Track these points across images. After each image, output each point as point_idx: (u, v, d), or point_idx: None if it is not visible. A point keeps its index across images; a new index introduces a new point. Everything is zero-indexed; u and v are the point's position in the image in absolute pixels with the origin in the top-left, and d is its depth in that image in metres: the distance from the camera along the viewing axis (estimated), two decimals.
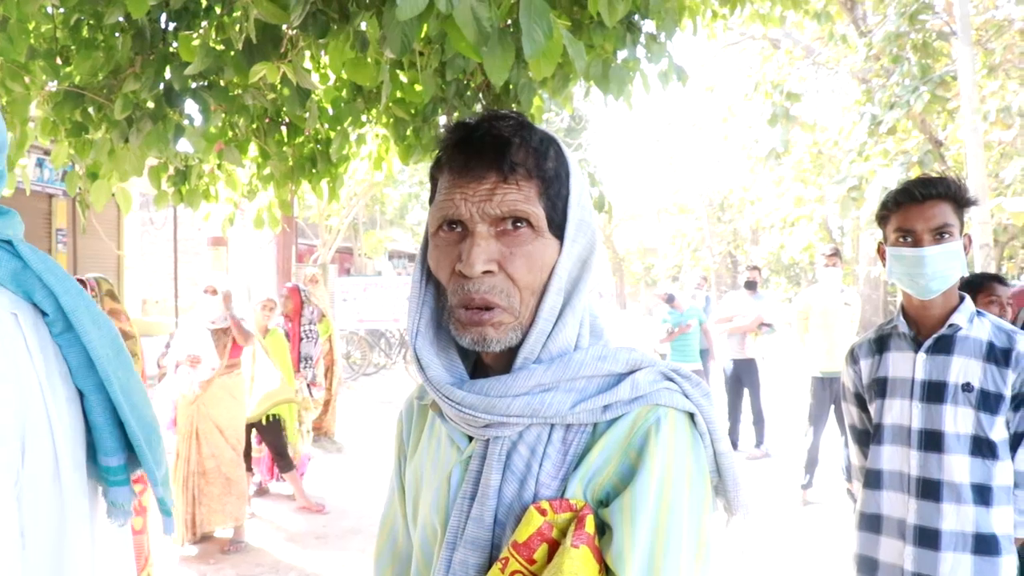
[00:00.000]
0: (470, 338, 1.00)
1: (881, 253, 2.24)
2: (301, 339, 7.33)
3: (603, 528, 0.94)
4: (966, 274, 2.15)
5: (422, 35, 2.52)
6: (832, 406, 6.41)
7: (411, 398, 1.28)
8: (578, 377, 1.01)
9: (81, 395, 0.86)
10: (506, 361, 1.05)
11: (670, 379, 1.03)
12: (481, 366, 1.11)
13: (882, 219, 2.20)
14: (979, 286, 3.29)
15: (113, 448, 0.87)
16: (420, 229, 29.69)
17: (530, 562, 0.91)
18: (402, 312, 12.67)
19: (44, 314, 0.83)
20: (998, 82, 11.76)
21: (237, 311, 5.34)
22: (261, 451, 6.57)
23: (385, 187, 20.19)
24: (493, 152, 0.98)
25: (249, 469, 6.08)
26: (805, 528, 5.80)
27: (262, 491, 6.74)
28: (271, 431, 6.05)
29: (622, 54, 3.31)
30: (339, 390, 8.85)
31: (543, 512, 0.93)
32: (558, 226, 1.02)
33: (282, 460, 6.18)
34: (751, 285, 8.10)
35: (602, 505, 0.96)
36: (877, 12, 13.69)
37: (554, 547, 0.92)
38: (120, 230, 12.20)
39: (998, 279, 3.37)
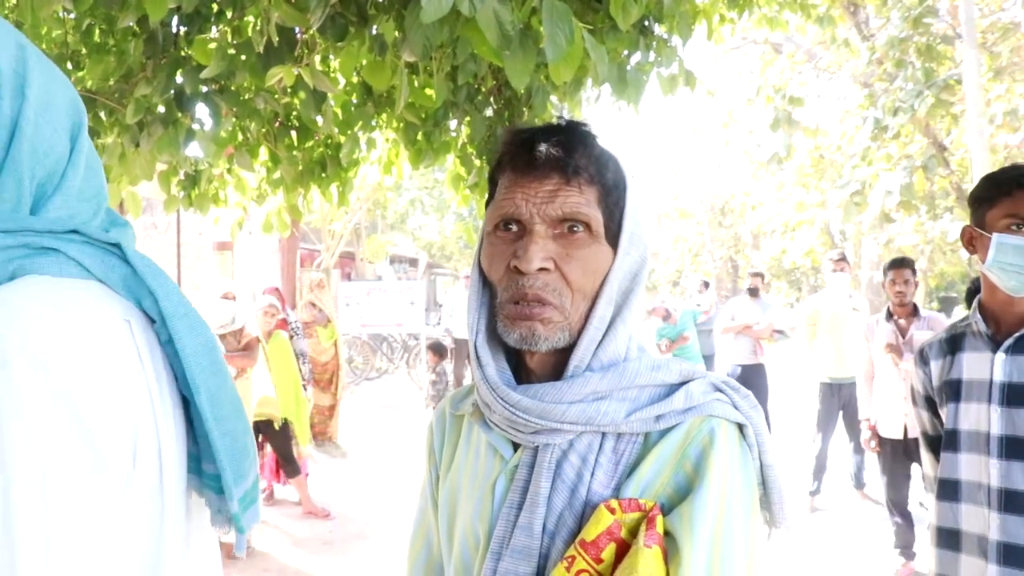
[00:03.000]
0: (519, 333, 0.99)
1: (970, 238, 2.05)
2: (291, 337, 7.31)
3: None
4: None
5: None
6: (840, 412, 6.39)
7: (442, 408, 1.28)
8: (632, 386, 1.01)
9: (187, 402, 0.88)
10: (551, 368, 1.05)
11: (720, 390, 1.04)
12: (524, 373, 1.10)
13: (986, 200, 1.99)
14: None
15: (213, 456, 0.89)
16: (421, 234, 29.65)
17: (597, 561, 0.91)
18: (405, 317, 12.64)
19: (152, 320, 0.85)
20: (1004, 85, 11.72)
21: (248, 327, 5.37)
22: (263, 455, 6.55)
23: (388, 192, 20.20)
24: (558, 154, 0.99)
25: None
26: (813, 535, 5.78)
27: (269, 496, 6.72)
28: (280, 436, 6.03)
29: (634, 58, 3.30)
30: (342, 395, 8.85)
31: (612, 511, 0.93)
32: (613, 235, 1.03)
33: (289, 465, 6.17)
34: (753, 291, 8.08)
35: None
36: (880, 16, 13.68)
37: (621, 546, 0.91)
38: None
39: None
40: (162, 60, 3.18)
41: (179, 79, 3.22)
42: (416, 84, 3.44)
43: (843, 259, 6.72)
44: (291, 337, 7.25)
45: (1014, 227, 1.91)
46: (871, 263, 21.71)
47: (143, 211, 4.41)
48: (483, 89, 3.60)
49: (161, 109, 3.37)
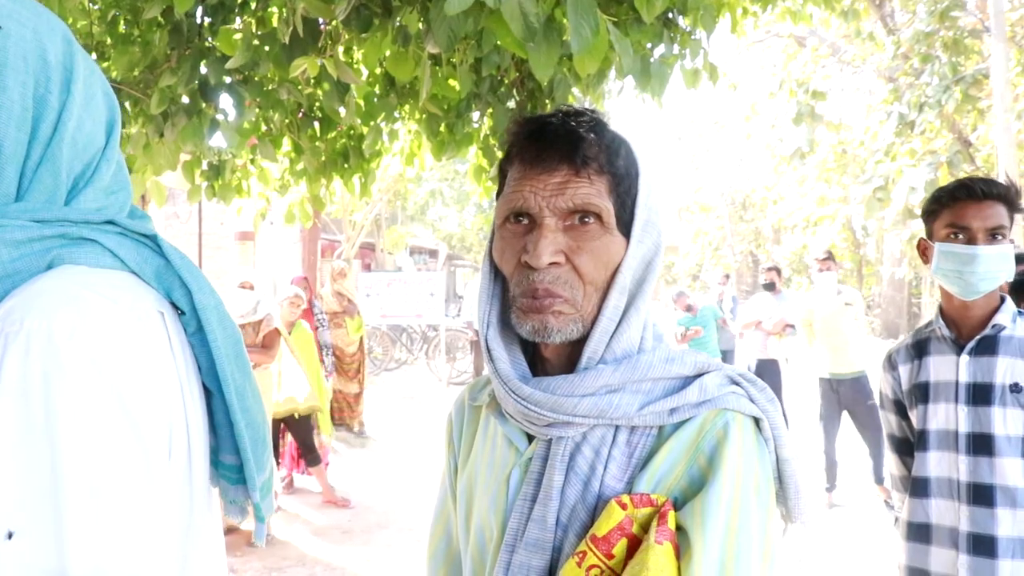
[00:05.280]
0: (531, 326, 0.98)
1: (923, 249, 2.20)
2: (317, 328, 7.35)
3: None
4: (1011, 278, 2.10)
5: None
6: (844, 409, 6.36)
7: (461, 398, 1.27)
8: (645, 379, 0.99)
9: (208, 394, 0.89)
10: (566, 359, 1.05)
11: (736, 383, 1.02)
12: (540, 364, 1.09)
13: (931, 213, 2.14)
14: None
15: (233, 447, 0.91)
16: (441, 225, 29.73)
17: (608, 556, 0.90)
18: (425, 308, 12.67)
19: (180, 312, 0.86)
20: None
21: (269, 318, 5.42)
22: (284, 445, 6.59)
23: (409, 183, 20.26)
24: (567, 145, 0.97)
25: (276, 462, 6.10)
26: (832, 532, 5.75)
27: (288, 485, 6.76)
28: (301, 425, 6.07)
29: (658, 50, 3.29)
30: (365, 385, 8.90)
31: (624, 506, 0.92)
32: (625, 224, 1.01)
33: (310, 454, 6.20)
34: (770, 287, 8.06)
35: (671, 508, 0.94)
36: (906, 10, 13.54)
37: (633, 542, 0.90)
38: None
39: None
40: (187, 51, 3.20)
41: (203, 69, 3.24)
42: (439, 75, 3.44)
43: (829, 258, 6.75)
44: (316, 329, 7.29)
45: (952, 236, 2.07)
46: (893, 259, 21.57)
47: (165, 201, 4.44)
48: (506, 81, 3.60)
49: (185, 99, 3.39)
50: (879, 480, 6.34)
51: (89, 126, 0.87)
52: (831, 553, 5.28)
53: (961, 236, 2.05)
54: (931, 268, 2.14)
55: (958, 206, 2.05)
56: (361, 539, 5.57)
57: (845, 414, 6.40)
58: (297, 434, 6.17)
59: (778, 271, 8.20)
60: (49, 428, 0.68)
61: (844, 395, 6.31)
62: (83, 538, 0.69)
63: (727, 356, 9.53)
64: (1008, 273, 2.05)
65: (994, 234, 2.01)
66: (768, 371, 7.76)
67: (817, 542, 5.47)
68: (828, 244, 20.63)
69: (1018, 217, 2.09)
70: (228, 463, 0.92)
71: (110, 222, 0.85)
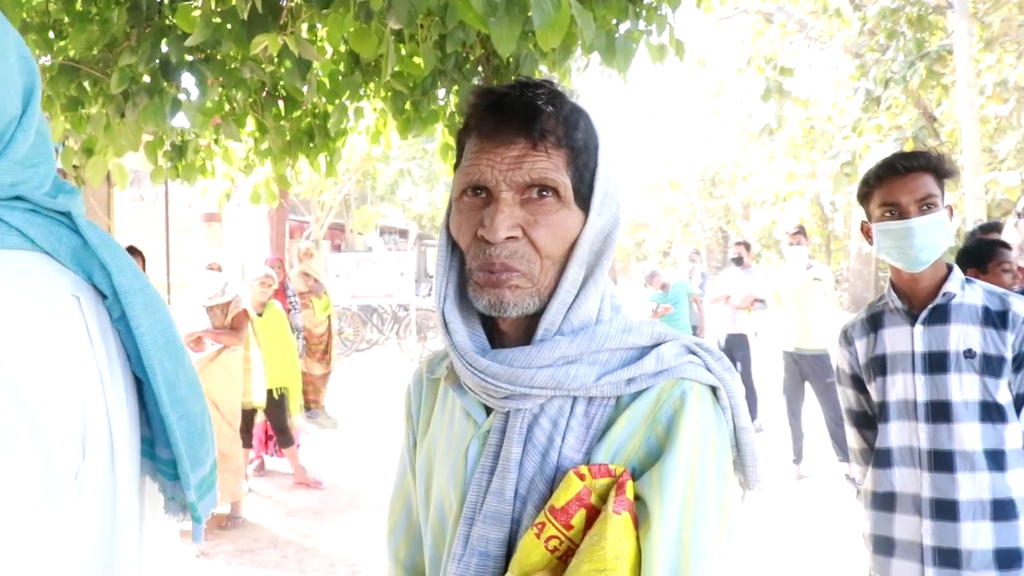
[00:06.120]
0: (487, 300, 0.98)
1: (866, 231, 2.26)
2: (289, 311, 7.31)
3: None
4: (952, 244, 2.15)
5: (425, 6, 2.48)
6: (807, 382, 6.44)
7: (420, 372, 1.27)
8: (603, 350, 1.00)
9: (140, 383, 0.82)
10: (523, 331, 1.05)
11: (693, 352, 1.03)
12: (498, 337, 1.09)
13: (864, 196, 2.22)
14: (989, 253, 3.28)
15: (167, 441, 0.82)
16: (411, 205, 29.54)
17: (567, 527, 0.90)
18: (395, 288, 12.63)
19: (104, 296, 0.78)
20: (995, 56, 11.70)
21: (238, 299, 5.38)
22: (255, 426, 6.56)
23: (377, 162, 20.09)
24: (523, 118, 0.96)
25: (248, 445, 6.07)
26: (801, 502, 5.84)
27: (259, 467, 6.73)
28: (275, 407, 6.05)
29: (624, 26, 3.28)
30: (334, 366, 8.86)
31: (582, 477, 0.92)
32: (584, 197, 1.00)
33: (283, 435, 6.18)
34: (738, 261, 8.12)
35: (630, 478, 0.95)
36: None
37: (591, 512, 0.91)
38: (111, 207, 12.07)
39: (1004, 244, 3.36)
40: (146, 29, 3.14)
41: (164, 48, 3.18)
42: (404, 52, 3.41)
43: (800, 232, 6.82)
44: (289, 311, 7.24)
45: (887, 214, 2.13)
46: (860, 234, 21.79)
47: (130, 183, 4.38)
48: (471, 58, 3.57)
49: (146, 79, 3.33)
50: (847, 458, 6.40)
51: None
52: (797, 524, 5.36)
53: (894, 213, 2.10)
54: (874, 249, 2.20)
55: (884, 185, 2.12)
56: (333, 520, 5.57)
57: (809, 387, 6.47)
58: (272, 416, 6.14)
59: (747, 246, 8.25)
60: None
61: (805, 370, 6.40)
62: None
63: (695, 332, 9.62)
64: (947, 240, 2.10)
65: (925, 204, 2.07)
66: (737, 345, 7.85)
67: (784, 513, 5.55)
68: (797, 219, 20.79)
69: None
70: (164, 457, 0.83)
71: (18, 198, 0.76)
